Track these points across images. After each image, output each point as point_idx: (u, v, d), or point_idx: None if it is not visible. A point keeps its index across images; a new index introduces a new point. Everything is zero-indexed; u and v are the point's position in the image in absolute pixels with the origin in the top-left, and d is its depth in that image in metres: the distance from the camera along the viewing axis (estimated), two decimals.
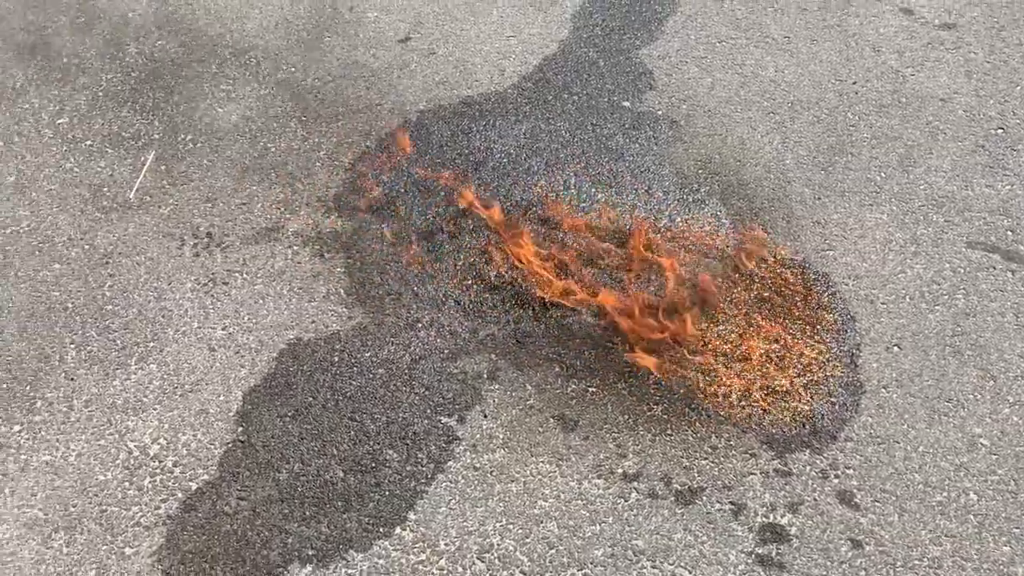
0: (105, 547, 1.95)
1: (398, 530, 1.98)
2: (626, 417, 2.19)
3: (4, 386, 2.28)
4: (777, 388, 2.22)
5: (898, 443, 2.11)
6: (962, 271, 2.52)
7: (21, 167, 2.93)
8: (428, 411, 2.21)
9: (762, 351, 2.30)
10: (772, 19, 3.49)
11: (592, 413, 2.20)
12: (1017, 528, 1.97)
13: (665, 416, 2.19)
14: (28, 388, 2.27)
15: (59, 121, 3.12)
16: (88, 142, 3.03)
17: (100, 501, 2.04)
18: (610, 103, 3.14)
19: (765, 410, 2.18)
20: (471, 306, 2.47)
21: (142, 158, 2.96)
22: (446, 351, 2.36)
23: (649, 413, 2.19)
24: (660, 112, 3.10)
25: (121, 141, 3.03)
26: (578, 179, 2.83)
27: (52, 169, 2.93)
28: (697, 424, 2.16)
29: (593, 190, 2.79)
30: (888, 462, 2.07)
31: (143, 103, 3.19)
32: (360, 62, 3.36)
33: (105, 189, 2.85)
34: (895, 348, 2.32)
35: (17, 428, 2.19)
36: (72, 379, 2.29)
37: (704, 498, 2.02)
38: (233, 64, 3.36)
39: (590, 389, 2.25)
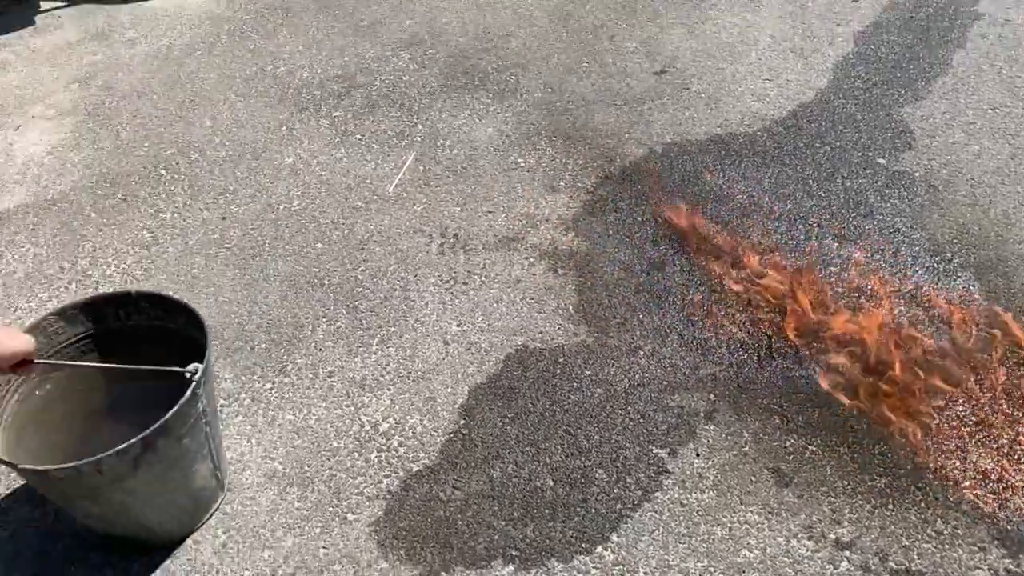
0: (331, 509, 2.12)
1: (599, 549, 2.02)
2: (845, 483, 2.11)
3: (263, 346, 2.52)
4: (1017, 483, 2.07)
5: None
6: None
7: (299, 152, 3.23)
8: (641, 439, 2.24)
9: (1005, 440, 2.16)
10: None
11: (809, 472, 2.14)
12: None
13: (888, 490, 2.10)
14: (282, 352, 2.51)
15: (335, 114, 3.42)
16: (358, 136, 3.30)
17: (331, 466, 2.21)
18: (864, 158, 3.05)
19: (1001, 503, 2.04)
20: (695, 342, 2.48)
21: (403, 157, 3.18)
22: (665, 383, 2.38)
23: (871, 483, 2.11)
24: (917, 174, 2.97)
25: (387, 140, 3.28)
26: (821, 231, 2.76)
27: (324, 157, 3.21)
28: (923, 504, 2.06)
29: (835, 244, 2.72)
30: None
31: (410, 106, 3.43)
32: (614, 90, 3.45)
33: (368, 182, 3.09)
34: None
35: (269, 386, 2.42)
36: (320, 350, 2.50)
37: None
38: (495, 79, 3.55)
39: (810, 447, 2.20)
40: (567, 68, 3.59)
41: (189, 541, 2.06)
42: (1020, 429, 2.19)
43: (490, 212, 2.94)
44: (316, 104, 3.47)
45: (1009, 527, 2.00)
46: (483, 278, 2.70)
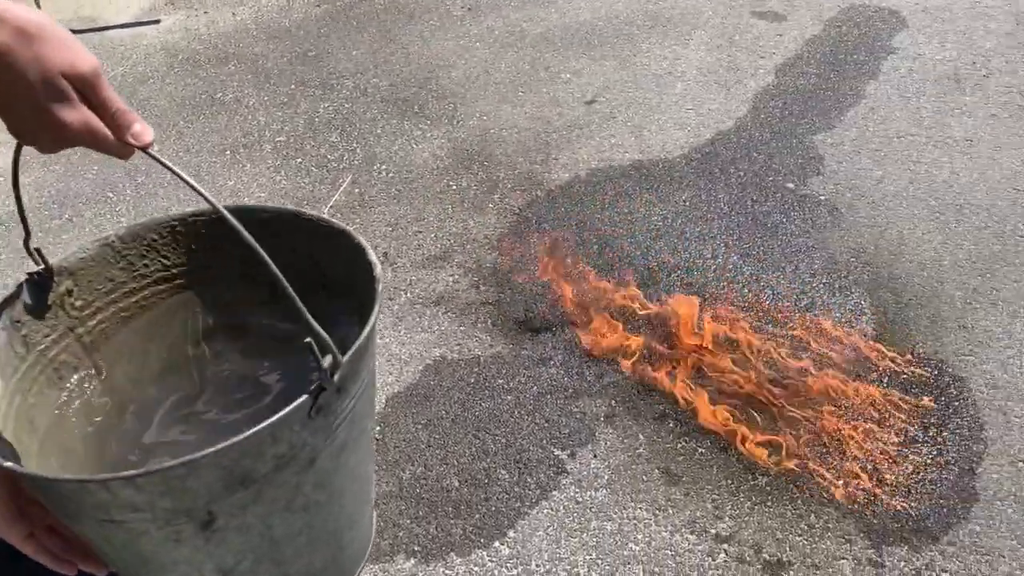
0: None
1: (497, 544, 2.16)
2: (729, 482, 2.27)
3: None
4: (888, 481, 2.24)
5: (1003, 557, 2.07)
6: None
7: (240, 174, 3.39)
8: (544, 442, 2.39)
9: (881, 443, 2.32)
10: (957, 121, 3.47)
11: (696, 472, 2.30)
12: None
13: (768, 488, 2.25)
14: None
15: (278, 139, 3.58)
16: (299, 160, 3.46)
17: None
18: (774, 183, 3.24)
19: (870, 500, 2.20)
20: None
21: (340, 180, 3.35)
22: (570, 390, 2.53)
23: (753, 482, 2.27)
24: (823, 197, 3.16)
25: (326, 163, 3.44)
26: (727, 250, 2.94)
27: (265, 179, 3.37)
28: (799, 501, 2.22)
29: (740, 262, 2.89)
30: (989, 574, 2.04)
31: (350, 131, 3.60)
32: (545, 118, 3.64)
33: (306, 203, 3.25)
34: (1020, 464, 2.27)
35: None
36: None
37: (791, 572, 2.07)
38: (434, 107, 3.73)
39: (699, 450, 2.35)
40: (503, 98, 3.77)
41: None
42: (892, 434, 2.35)
43: (420, 232, 3.10)
44: (260, 130, 3.63)
45: (874, 521, 2.16)
46: (408, 294, 2.86)
